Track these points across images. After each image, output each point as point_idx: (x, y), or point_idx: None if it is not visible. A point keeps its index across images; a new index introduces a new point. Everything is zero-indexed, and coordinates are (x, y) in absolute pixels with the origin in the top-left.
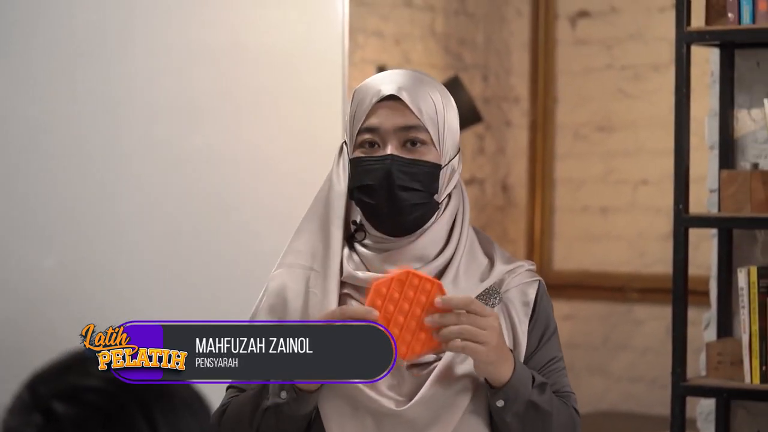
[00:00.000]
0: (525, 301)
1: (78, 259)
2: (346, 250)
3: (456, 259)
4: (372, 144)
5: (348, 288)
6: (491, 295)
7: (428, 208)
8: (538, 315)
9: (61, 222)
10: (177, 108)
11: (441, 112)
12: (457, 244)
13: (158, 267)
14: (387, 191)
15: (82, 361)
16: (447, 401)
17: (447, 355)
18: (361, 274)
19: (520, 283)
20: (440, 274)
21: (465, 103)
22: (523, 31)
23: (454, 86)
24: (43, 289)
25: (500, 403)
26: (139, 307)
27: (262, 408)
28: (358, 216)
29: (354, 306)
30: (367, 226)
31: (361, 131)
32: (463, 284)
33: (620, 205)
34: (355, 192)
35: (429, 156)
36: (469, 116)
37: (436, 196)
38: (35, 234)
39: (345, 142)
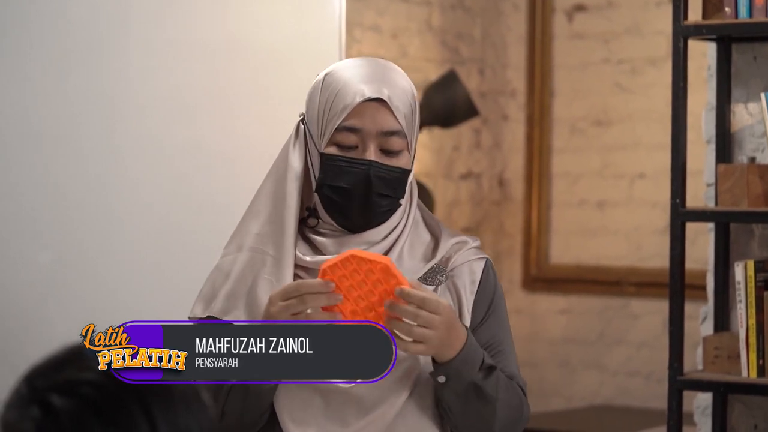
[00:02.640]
0: (472, 279)
1: (74, 254)
2: (299, 235)
3: (401, 239)
4: (347, 144)
5: (298, 270)
6: (437, 273)
7: (394, 212)
8: (482, 292)
9: (57, 217)
10: (171, 104)
11: (416, 115)
12: (404, 225)
13: (153, 262)
14: (363, 197)
15: (80, 354)
16: (394, 379)
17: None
18: (310, 258)
19: (467, 260)
20: (385, 254)
21: (461, 97)
22: (520, 25)
23: (450, 80)
24: (39, 284)
25: (441, 379)
26: (133, 301)
27: (228, 389)
28: (311, 201)
29: (309, 279)
30: (323, 215)
31: (340, 129)
32: (407, 263)
33: (617, 200)
34: (326, 189)
35: (402, 161)
36: (465, 110)
37: (401, 200)
38: (31, 229)
39: (302, 122)
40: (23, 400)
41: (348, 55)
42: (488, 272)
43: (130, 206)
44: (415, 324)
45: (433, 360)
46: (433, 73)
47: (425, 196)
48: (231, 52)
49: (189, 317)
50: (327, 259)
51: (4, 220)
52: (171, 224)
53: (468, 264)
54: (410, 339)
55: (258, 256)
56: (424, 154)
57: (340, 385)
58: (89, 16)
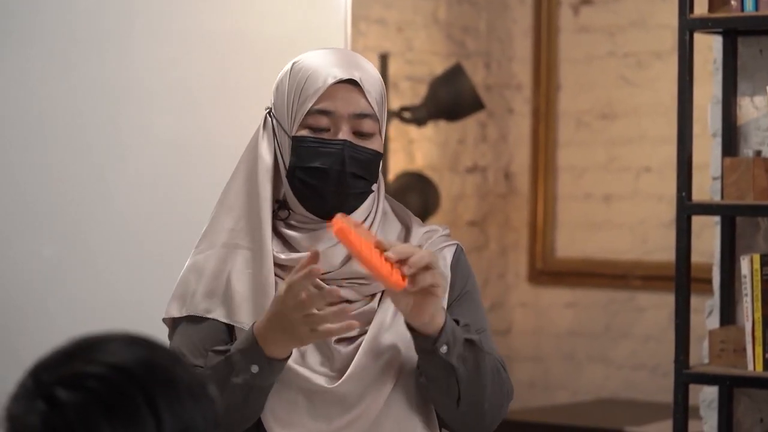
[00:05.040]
0: (444, 265)
1: (77, 247)
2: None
3: (372, 231)
4: (320, 126)
5: (275, 268)
6: None
7: (366, 197)
8: (455, 277)
9: (61, 211)
10: (176, 97)
11: (385, 102)
12: (375, 216)
13: (157, 256)
14: (338, 177)
15: (86, 348)
16: (377, 373)
17: (373, 327)
18: (285, 256)
19: (438, 248)
20: None
21: (467, 90)
22: (526, 18)
23: (456, 74)
24: (42, 277)
25: (444, 348)
26: (136, 295)
27: (231, 385)
28: (281, 193)
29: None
30: (294, 205)
31: (312, 112)
32: None
33: (623, 193)
34: (298, 172)
35: (375, 144)
36: (471, 104)
37: (374, 185)
38: (35, 223)
39: (271, 114)
40: (29, 394)
41: (354, 49)
42: (459, 257)
43: (134, 200)
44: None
45: (424, 337)
46: (439, 67)
47: (431, 189)
48: (236, 45)
49: (164, 318)
50: (301, 257)
51: (8, 213)
52: (175, 218)
53: (440, 252)
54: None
55: (234, 251)
56: (430, 148)
57: (324, 384)
58: (94, 7)
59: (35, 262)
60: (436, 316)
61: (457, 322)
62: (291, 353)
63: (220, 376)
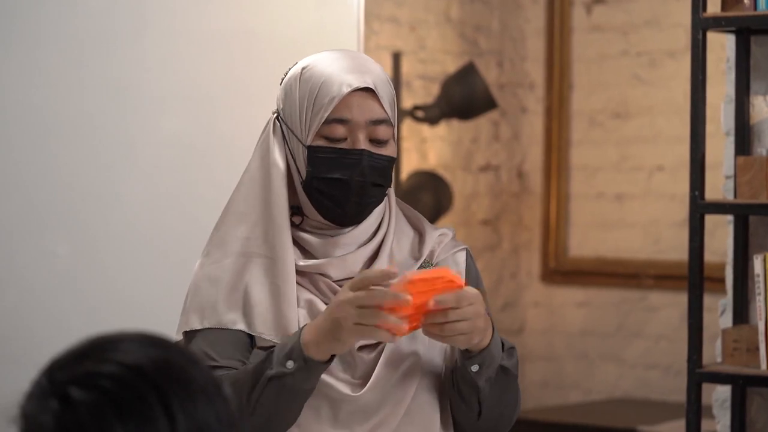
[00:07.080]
0: (458, 270)
1: (88, 247)
2: None
3: (389, 237)
4: (336, 136)
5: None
6: (424, 267)
7: (381, 201)
8: (469, 281)
9: (76, 210)
10: (187, 96)
11: (395, 102)
12: (389, 221)
13: (171, 256)
14: (360, 187)
15: (100, 347)
16: (399, 381)
17: None
18: (302, 262)
19: (450, 252)
20: (375, 255)
21: (480, 89)
22: (539, 17)
23: (469, 72)
24: (57, 276)
25: (475, 368)
26: (149, 294)
27: (264, 378)
28: (295, 199)
29: (373, 270)
30: (309, 212)
31: (328, 121)
32: (398, 260)
33: (635, 192)
34: (316, 182)
35: (390, 150)
36: (483, 102)
37: (388, 189)
38: (49, 222)
39: (279, 118)
40: (43, 393)
41: (366, 48)
42: (470, 262)
43: (144, 199)
44: (453, 321)
45: (466, 350)
46: (452, 66)
47: (444, 188)
48: (248, 44)
49: (185, 331)
50: (324, 263)
51: (23, 213)
52: (185, 217)
53: (452, 256)
54: (453, 335)
55: (252, 260)
56: (443, 147)
57: (349, 392)
58: (103, 7)
59: (49, 261)
60: (482, 340)
61: (502, 344)
62: (330, 359)
63: (259, 370)
